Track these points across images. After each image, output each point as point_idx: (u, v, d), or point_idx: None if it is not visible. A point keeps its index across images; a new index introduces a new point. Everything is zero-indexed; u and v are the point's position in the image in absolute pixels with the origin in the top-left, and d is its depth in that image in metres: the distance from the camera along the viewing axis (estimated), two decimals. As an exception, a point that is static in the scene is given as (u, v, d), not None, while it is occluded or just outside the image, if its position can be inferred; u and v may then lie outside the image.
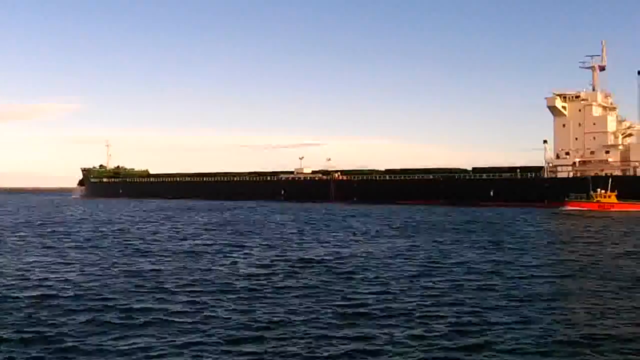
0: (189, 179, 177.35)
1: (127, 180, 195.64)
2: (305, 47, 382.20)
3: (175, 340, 17.82)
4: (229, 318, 20.50)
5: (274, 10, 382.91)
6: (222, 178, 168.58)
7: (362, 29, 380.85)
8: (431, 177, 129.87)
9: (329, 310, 21.64)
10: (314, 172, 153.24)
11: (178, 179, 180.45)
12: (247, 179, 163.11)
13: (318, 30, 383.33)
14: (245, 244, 44.48)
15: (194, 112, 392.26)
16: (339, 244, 45.23)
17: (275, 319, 20.46)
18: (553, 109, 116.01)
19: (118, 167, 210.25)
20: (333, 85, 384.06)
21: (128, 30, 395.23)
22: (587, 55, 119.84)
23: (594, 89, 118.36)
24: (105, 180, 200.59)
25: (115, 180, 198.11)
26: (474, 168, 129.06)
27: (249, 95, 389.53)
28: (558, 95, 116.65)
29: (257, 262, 34.43)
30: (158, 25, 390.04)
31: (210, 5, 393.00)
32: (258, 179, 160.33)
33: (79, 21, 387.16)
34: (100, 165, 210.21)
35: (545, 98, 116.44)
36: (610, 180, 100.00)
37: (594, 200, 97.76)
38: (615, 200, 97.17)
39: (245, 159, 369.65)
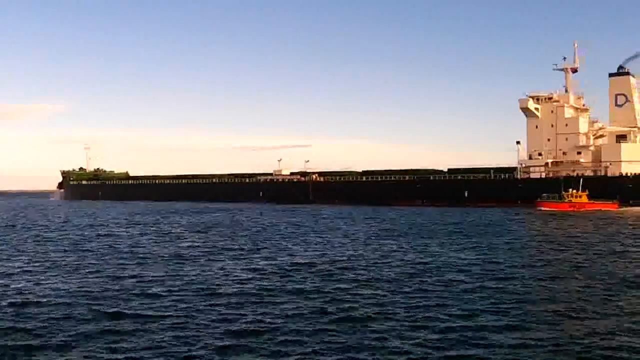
0: (168, 181, 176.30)
1: (107, 182, 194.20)
2: (290, 49, 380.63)
3: (165, 345, 17.65)
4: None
5: (259, 12, 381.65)
6: (202, 180, 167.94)
7: (345, 30, 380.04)
8: (407, 178, 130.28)
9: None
10: (292, 174, 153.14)
11: (157, 181, 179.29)
12: (227, 180, 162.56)
13: (302, 32, 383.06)
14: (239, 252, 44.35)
15: (181, 113, 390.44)
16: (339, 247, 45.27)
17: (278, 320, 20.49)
18: (526, 110, 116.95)
19: (98, 169, 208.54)
20: (319, 87, 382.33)
21: (116, 32, 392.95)
22: (562, 57, 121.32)
23: (566, 91, 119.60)
24: (84, 182, 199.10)
25: (95, 182, 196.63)
26: (449, 169, 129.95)
27: (235, 97, 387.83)
28: (531, 97, 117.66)
29: (251, 267, 34.42)
30: (145, 27, 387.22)
31: (194, 6, 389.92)
32: (237, 181, 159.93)
33: (66, 22, 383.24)
34: (80, 168, 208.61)
35: (519, 100, 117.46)
36: (581, 180, 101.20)
37: (566, 201, 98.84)
38: (587, 200, 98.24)
39: (230, 161, 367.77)
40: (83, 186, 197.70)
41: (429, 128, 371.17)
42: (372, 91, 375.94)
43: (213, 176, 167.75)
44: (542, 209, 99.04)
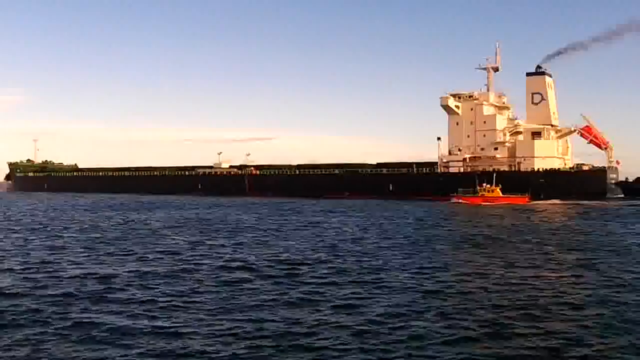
0: (112, 173, 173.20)
1: (53, 174, 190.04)
2: (251, 40, 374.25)
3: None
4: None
5: (223, 2, 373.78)
6: (144, 172, 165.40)
7: (303, 22, 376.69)
8: (337, 172, 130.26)
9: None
10: (231, 167, 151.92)
11: (101, 173, 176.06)
12: (167, 173, 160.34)
13: (266, 23, 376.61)
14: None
15: (143, 106, 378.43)
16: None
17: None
18: (446, 107, 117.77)
19: (46, 161, 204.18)
20: (283, 80, 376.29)
21: (73, 22, 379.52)
22: (485, 58, 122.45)
23: (488, 90, 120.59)
24: (31, 174, 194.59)
25: (41, 174, 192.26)
26: (377, 163, 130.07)
27: (198, 90, 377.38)
28: (452, 95, 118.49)
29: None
30: (103, 17, 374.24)
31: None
32: (177, 174, 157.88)
33: (24, 12, 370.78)
34: (28, 160, 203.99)
35: (440, 97, 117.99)
36: (494, 175, 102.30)
37: (479, 194, 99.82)
38: (499, 194, 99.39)
39: (191, 154, 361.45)
40: (29, 178, 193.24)
41: (384, 121, 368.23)
42: (337, 85, 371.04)
43: (155, 169, 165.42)
44: (458, 202, 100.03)
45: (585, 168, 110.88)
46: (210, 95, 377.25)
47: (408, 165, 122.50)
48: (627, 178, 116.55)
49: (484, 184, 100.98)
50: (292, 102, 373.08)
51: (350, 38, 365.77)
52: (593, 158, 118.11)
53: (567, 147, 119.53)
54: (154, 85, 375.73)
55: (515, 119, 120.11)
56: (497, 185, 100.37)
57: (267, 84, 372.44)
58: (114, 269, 29.04)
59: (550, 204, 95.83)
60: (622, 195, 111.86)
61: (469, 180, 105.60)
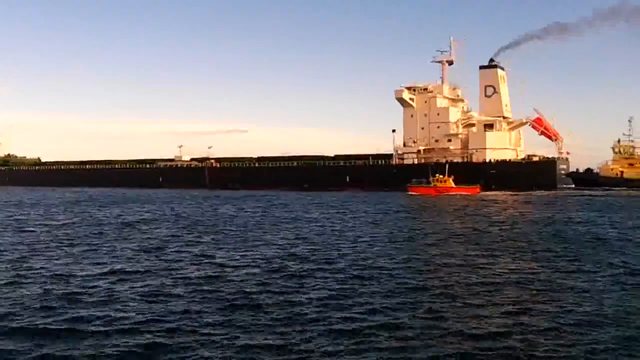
0: (74, 167, 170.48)
1: (14, 168, 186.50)
2: (226, 34, 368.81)
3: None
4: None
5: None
6: (106, 166, 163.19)
7: (268, 15, 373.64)
8: (295, 164, 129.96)
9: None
10: (192, 160, 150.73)
11: (63, 167, 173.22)
12: (128, 166, 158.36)
13: (236, 15, 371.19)
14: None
15: (117, 98, 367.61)
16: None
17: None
18: (401, 100, 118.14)
19: (8, 155, 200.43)
20: (257, 72, 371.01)
21: (43, 13, 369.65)
22: (437, 50, 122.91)
23: (443, 82, 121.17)
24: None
25: (3, 168, 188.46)
26: (335, 155, 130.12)
27: (171, 82, 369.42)
28: (407, 88, 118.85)
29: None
30: (76, 9, 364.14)
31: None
32: (138, 167, 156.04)
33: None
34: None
35: (394, 90, 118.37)
36: (447, 166, 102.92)
37: (432, 185, 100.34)
38: (452, 185, 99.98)
39: (160, 146, 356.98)
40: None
41: (358, 113, 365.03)
42: (310, 77, 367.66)
43: (117, 162, 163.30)
44: (411, 193, 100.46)
45: (536, 159, 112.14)
46: (184, 87, 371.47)
47: (365, 157, 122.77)
48: (577, 169, 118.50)
49: (437, 175, 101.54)
50: (268, 95, 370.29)
51: (324, 31, 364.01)
52: (547, 149, 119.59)
53: (520, 139, 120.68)
54: (128, 77, 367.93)
55: (469, 111, 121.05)
56: (449, 176, 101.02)
57: (239, 77, 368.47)
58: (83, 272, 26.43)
59: (502, 194, 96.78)
60: (573, 186, 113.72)
61: (423, 171, 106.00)
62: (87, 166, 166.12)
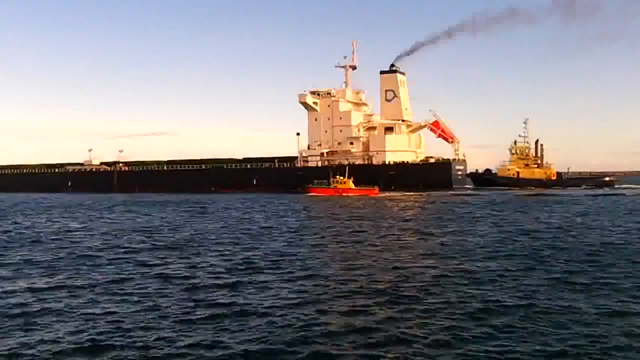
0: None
1: None
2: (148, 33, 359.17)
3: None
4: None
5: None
6: (14, 171, 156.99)
7: (189, 22, 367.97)
8: (203, 167, 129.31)
9: None
10: (102, 163, 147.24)
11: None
12: (36, 171, 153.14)
13: (164, 18, 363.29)
14: None
15: (44, 96, 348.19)
16: None
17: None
18: (305, 104, 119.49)
19: None
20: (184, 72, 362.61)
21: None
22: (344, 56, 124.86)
23: (346, 87, 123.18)
24: None
25: None
26: (244, 158, 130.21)
27: (98, 80, 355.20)
28: (311, 92, 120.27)
29: None
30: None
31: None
32: (47, 171, 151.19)
33: None
34: None
35: (298, 95, 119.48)
36: (347, 168, 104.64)
37: (332, 187, 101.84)
38: (351, 186, 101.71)
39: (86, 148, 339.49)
40: None
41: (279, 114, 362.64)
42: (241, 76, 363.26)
43: (25, 166, 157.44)
44: (311, 194, 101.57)
45: (432, 161, 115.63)
46: (107, 84, 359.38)
47: (271, 160, 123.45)
48: (477, 169, 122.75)
49: (337, 177, 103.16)
50: (196, 96, 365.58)
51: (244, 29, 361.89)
52: (448, 151, 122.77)
53: (420, 141, 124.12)
54: (54, 74, 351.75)
55: (372, 115, 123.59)
56: (349, 177, 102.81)
57: (161, 76, 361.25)
58: None
59: (400, 194, 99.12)
60: (472, 186, 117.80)
61: (324, 173, 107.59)
62: None
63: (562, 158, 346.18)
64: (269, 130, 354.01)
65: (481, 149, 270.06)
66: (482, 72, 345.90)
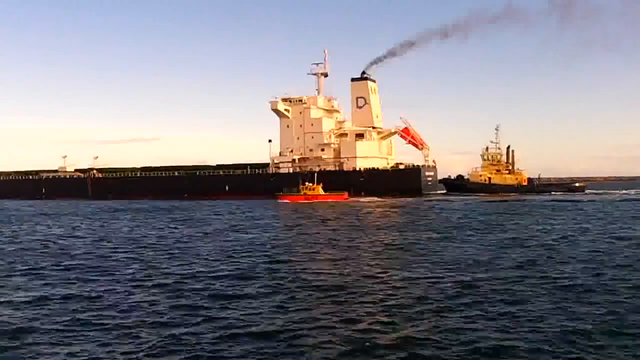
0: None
1: None
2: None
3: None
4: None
5: None
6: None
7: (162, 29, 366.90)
8: (177, 174, 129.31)
9: None
10: (76, 170, 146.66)
11: None
12: (11, 178, 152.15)
13: (136, 22, 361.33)
14: None
15: (19, 103, 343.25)
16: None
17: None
18: (276, 111, 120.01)
19: None
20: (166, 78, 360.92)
21: None
22: (313, 63, 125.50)
23: (318, 94, 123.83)
24: None
25: None
26: (217, 164, 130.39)
27: (79, 86, 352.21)
28: (283, 99, 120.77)
29: None
30: None
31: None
32: (21, 178, 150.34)
33: None
34: None
35: (269, 102, 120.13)
36: (315, 174, 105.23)
37: (302, 193, 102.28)
38: (320, 192, 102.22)
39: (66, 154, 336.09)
40: None
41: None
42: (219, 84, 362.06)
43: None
44: (281, 200, 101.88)
45: (402, 167, 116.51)
46: (84, 89, 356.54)
47: (243, 166, 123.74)
48: (449, 175, 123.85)
49: (307, 183, 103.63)
50: (172, 102, 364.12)
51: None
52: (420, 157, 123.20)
53: (392, 147, 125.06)
54: (28, 81, 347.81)
55: (344, 122, 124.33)
56: (318, 184, 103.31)
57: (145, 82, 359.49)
58: None
59: (368, 200, 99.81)
60: (444, 191, 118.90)
61: (295, 179, 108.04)
62: None
63: (544, 165, 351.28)
64: (243, 137, 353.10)
65: (462, 155, 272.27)
66: (462, 77, 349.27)
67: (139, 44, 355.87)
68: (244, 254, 32.90)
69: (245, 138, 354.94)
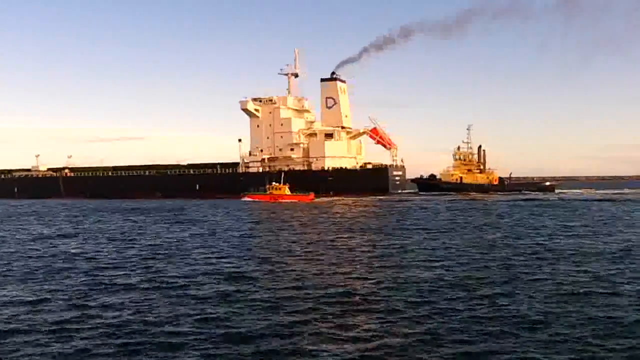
0: None
1: None
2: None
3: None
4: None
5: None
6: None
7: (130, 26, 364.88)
8: (147, 173, 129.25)
9: None
10: (49, 170, 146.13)
11: None
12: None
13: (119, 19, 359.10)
14: None
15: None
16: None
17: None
18: (246, 111, 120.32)
19: None
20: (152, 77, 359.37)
21: None
22: (286, 64, 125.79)
23: (289, 94, 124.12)
24: None
25: None
26: (188, 164, 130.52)
27: (64, 83, 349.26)
28: (253, 99, 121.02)
29: None
30: None
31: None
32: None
33: None
34: None
35: (239, 101, 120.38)
36: (282, 174, 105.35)
37: (267, 193, 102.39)
38: (286, 192, 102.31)
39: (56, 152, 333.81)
40: None
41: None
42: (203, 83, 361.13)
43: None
44: (248, 200, 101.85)
45: (370, 167, 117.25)
46: (71, 87, 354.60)
47: (214, 166, 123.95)
48: (422, 175, 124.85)
49: (273, 183, 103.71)
50: (146, 102, 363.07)
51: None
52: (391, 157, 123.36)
53: (361, 147, 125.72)
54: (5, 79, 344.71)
55: (314, 122, 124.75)
56: (285, 184, 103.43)
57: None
58: None
59: (338, 199, 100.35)
60: (417, 190, 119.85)
61: (263, 179, 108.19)
62: None
63: (534, 165, 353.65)
64: (215, 136, 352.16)
65: (439, 154, 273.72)
66: (439, 76, 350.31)
67: (106, 43, 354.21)
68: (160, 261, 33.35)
69: (219, 138, 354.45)
